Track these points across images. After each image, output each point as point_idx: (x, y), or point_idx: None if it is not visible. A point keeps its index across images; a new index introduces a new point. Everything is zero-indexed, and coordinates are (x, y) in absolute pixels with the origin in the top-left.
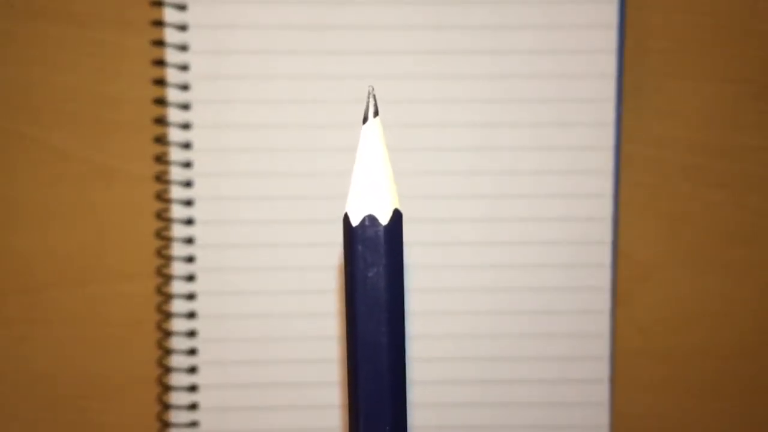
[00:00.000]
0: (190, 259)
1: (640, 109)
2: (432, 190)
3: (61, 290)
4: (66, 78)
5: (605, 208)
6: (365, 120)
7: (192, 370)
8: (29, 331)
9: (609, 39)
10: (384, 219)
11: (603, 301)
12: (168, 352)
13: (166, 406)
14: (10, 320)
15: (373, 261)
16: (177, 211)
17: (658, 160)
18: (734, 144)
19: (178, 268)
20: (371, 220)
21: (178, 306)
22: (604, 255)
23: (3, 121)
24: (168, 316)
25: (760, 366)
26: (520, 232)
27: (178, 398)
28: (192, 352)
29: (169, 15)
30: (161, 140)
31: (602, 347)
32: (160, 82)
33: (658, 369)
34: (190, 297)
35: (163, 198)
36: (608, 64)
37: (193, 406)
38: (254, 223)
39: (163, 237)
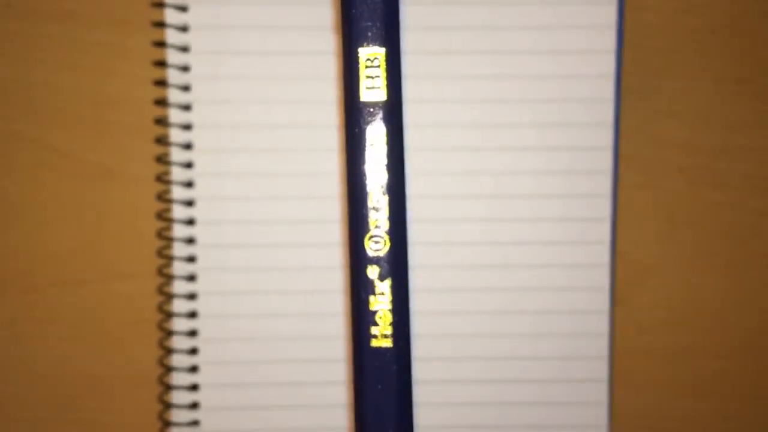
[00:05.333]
0: (191, 259)
1: (638, 110)
2: (432, 190)
3: (61, 290)
4: (66, 78)
5: (604, 208)
6: None
7: (193, 369)
8: (30, 331)
9: (608, 39)
10: None
11: (602, 301)
12: (169, 351)
13: (167, 405)
14: (10, 320)
15: None
16: (178, 212)
17: (657, 160)
18: (733, 144)
19: (179, 268)
20: None
21: (179, 306)
22: (603, 255)
23: (4, 121)
24: (169, 315)
25: (760, 366)
26: (518, 232)
27: (179, 397)
28: (193, 351)
29: (170, 16)
30: (162, 141)
31: (601, 347)
32: (161, 83)
33: (657, 369)
34: (191, 297)
35: (164, 198)
36: (607, 64)
37: (194, 406)
38: (255, 223)
39: (164, 237)
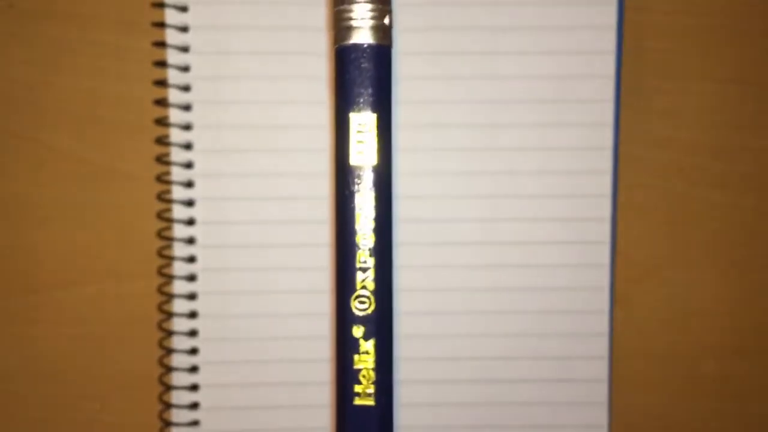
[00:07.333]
0: (191, 259)
1: (638, 110)
2: (432, 190)
3: (62, 290)
4: (67, 79)
5: (604, 208)
6: None
7: (193, 369)
8: (30, 331)
9: (608, 40)
10: None
11: (602, 301)
12: (169, 351)
13: (168, 405)
14: (11, 320)
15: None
16: (178, 212)
17: (657, 160)
18: (732, 144)
19: (179, 268)
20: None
21: (179, 306)
22: (603, 255)
23: (4, 121)
24: (169, 315)
25: (759, 366)
26: (518, 232)
27: (179, 397)
28: (193, 351)
29: (170, 16)
30: (162, 141)
31: (601, 347)
32: (161, 83)
33: (656, 369)
34: (191, 297)
35: (164, 198)
36: (607, 65)
37: (194, 406)
38: (255, 223)
39: (165, 237)
